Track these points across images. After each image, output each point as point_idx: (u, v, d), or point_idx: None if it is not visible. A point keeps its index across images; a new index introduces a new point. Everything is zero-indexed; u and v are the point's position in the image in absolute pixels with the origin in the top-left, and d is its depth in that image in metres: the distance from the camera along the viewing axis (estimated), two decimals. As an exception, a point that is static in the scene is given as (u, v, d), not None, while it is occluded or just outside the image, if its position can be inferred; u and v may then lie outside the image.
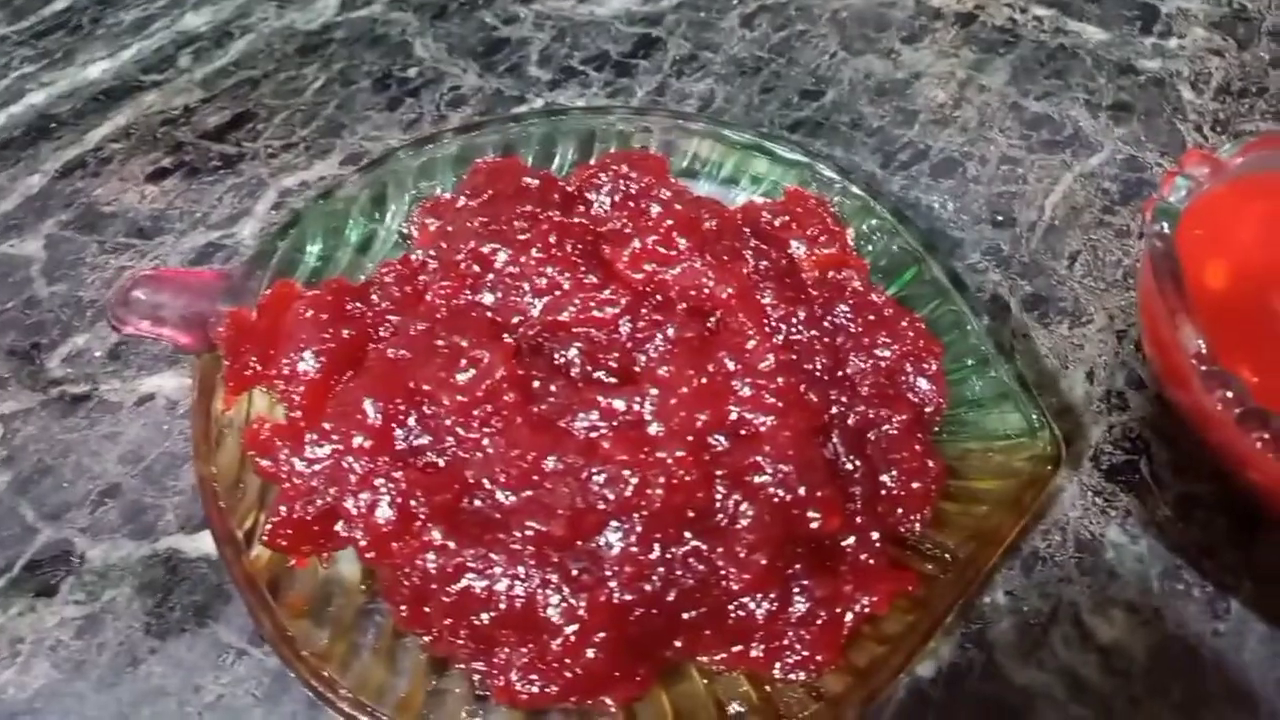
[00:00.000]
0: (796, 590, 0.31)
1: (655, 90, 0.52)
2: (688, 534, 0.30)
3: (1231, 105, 0.50)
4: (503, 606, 0.30)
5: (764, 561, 0.30)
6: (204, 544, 0.36)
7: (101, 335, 0.43)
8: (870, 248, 0.40)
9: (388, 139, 0.49)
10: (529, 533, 0.30)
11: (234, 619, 0.35)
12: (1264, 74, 0.52)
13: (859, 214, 0.40)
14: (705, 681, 0.31)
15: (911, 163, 0.48)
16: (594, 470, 0.30)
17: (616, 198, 0.39)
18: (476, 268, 0.36)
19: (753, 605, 0.30)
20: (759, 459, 0.31)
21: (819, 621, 0.31)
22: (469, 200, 0.39)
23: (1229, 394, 0.31)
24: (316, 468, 0.32)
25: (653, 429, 0.31)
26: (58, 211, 0.47)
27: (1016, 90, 0.51)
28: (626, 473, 0.30)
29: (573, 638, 0.29)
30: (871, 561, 0.32)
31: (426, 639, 0.31)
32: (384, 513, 0.31)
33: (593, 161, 0.42)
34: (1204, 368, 0.31)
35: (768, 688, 0.31)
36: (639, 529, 0.30)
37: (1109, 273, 0.44)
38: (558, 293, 0.35)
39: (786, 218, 0.40)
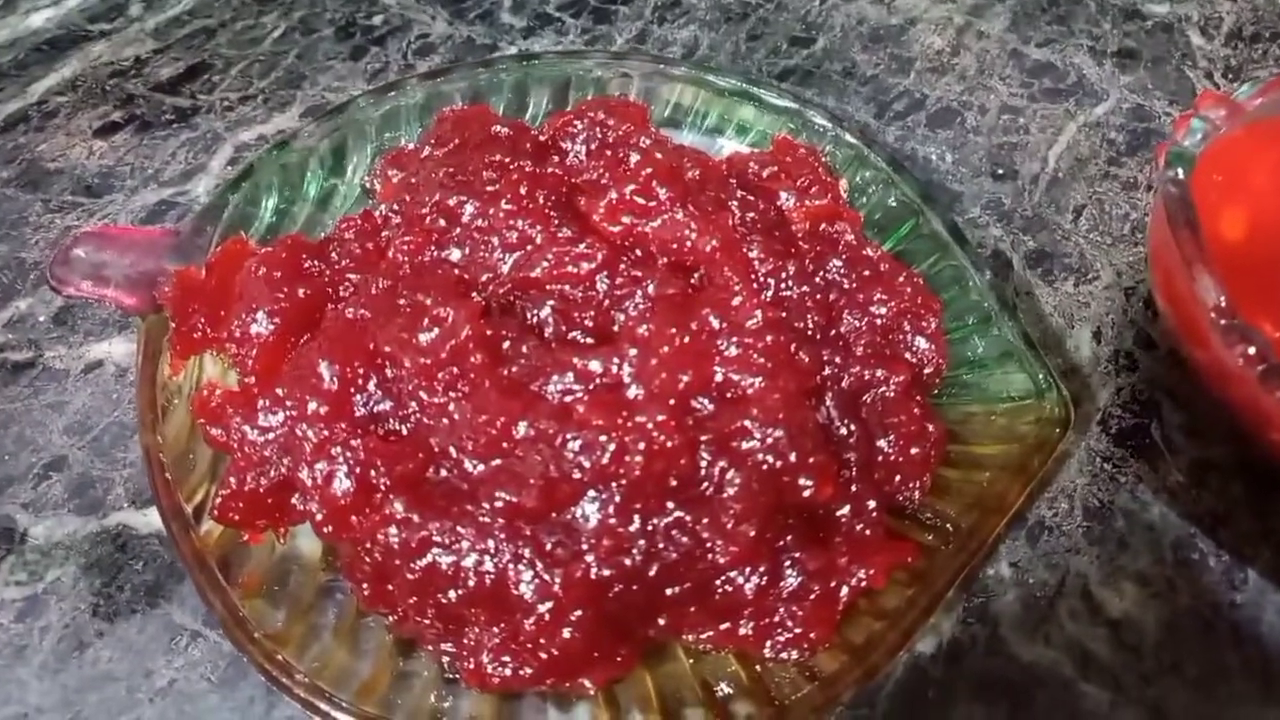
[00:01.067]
0: (788, 563, 0.29)
1: (636, 37, 0.49)
2: (670, 504, 0.28)
3: (1244, 51, 0.48)
4: (472, 584, 0.28)
5: (752, 533, 0.28)
6: (156, 520, 0.34)
7: (46, 299, 0.40)
8: (864, 200, 0.38)
9: (351, 90, 0.47)
10: (499, 504, 0.28)
11: (188, 599, 0.33)
12: (1277, 18, 0.49)
13: (852, 165, 0.38)
14: (691, 661, 0.29)
15: (907, 113, 0.46)
16: (569, 436, 0.28)
17: (593, 146, 0.36)
18: (442, 222, 0.34)
19: (741, 580, 0.28)
20: (746, 423, 0.28)
21: (812, 596, 0.29)
22: (434, 150, 0.36)
23: (1251, 350, 0.28)
24: (269, 436, 0.30)
25: (632, 392, 0.29)
26: (-1, 168, 0.44)
27: (1017, 37, 0.49)
28: (604, 438, 0.28)
29: (547, 616, 0.27)
30: (868, 532, 0.30)
31: (391, 619, 0.29)
32: (341, 484, 0.29)
33: (568, 110, 0.39)
34: (1224, 322, 0.29)
35: (758, 667, 0.29)
36: (617, 499, 0.28)
37: (1116, 227, 0.42)
38: (529, 247, 0.33)
39: (775, 168, 0.37)
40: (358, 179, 0.39)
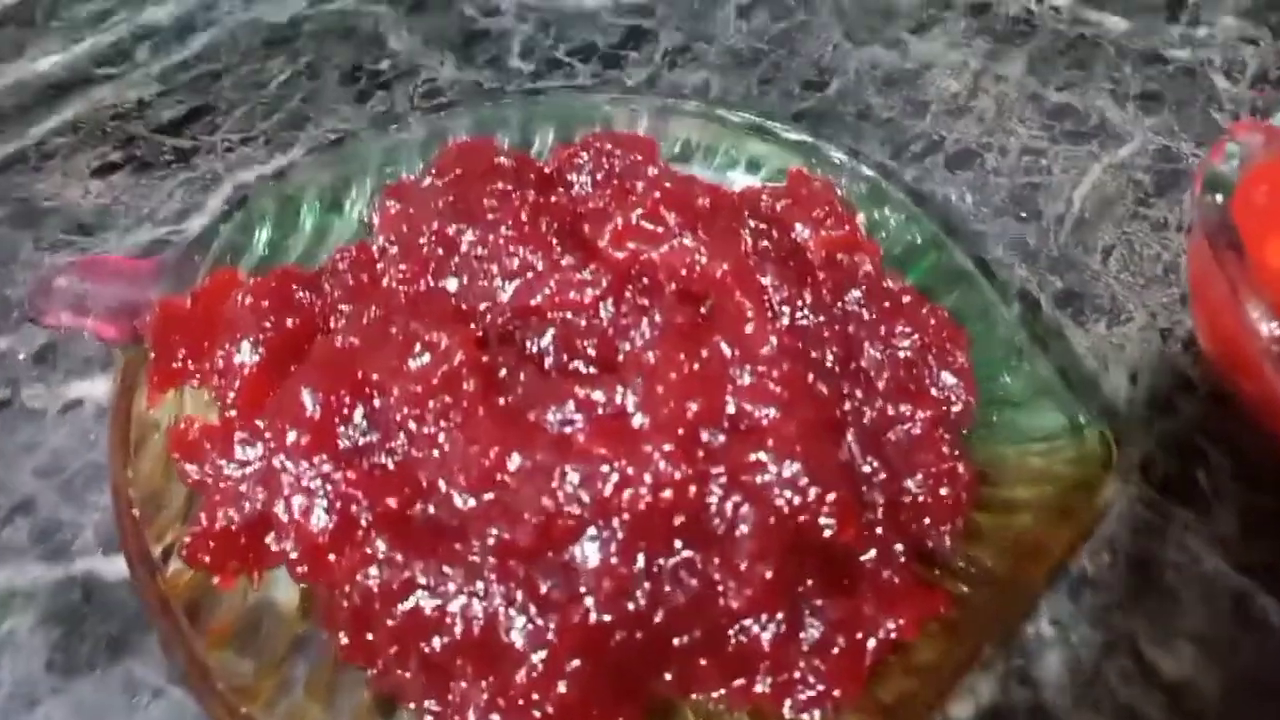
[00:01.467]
0: (808, 612, 0.26)
1: (646, 82, 0.48)
2: (678, 543, 0.25)
3: (1270, 94, 0.47)
4: (459, 630, 0.25)
5: (769, 573, 0.25)
6: (125, 567, 0.32)
7: (27, 337, 0.38)
8: (883, 235, 0.36)
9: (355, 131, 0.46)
10: (490, 542, 0.25)
11: (153, 652, 0.30)
12: (1302, 62, 0.48)
13: (870, 201, 0.36)
14: (701, 723, 0.26)
15: (925, 154, 0.45)
16: (568, 468, 0.26)
17: (599, 176, 0.35)
18: (440, 250, 0.32)
19: (757, 629, 0.26)
20: (761, 455, 0.26)
21: (836, 649, 0.26)
22: (435, 180, 0.35)
23: (1310, 380, 0.26)
24: (246, 470, 0.28)
25: (636, 421, 0.27)
26: (-9, 207, 0.43)
27: (1036, 80, 0.48)
28: (605, 469, 0.25)
29: (540, 667, 0.24)
30: (895, 579, 0.27)
31: (370, 673, 0.26)
32: (319, 520, 0.26)
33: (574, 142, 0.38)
34: (1276, 348, 0.27)
35: (776, 730, 0.26)
36: (620, 536, 0.25)
37: (1148, 268, 0.40)
38: (530, 274, 0.31)
39: (789, 201, 0.35)
40: (357, 214, 0.37)
